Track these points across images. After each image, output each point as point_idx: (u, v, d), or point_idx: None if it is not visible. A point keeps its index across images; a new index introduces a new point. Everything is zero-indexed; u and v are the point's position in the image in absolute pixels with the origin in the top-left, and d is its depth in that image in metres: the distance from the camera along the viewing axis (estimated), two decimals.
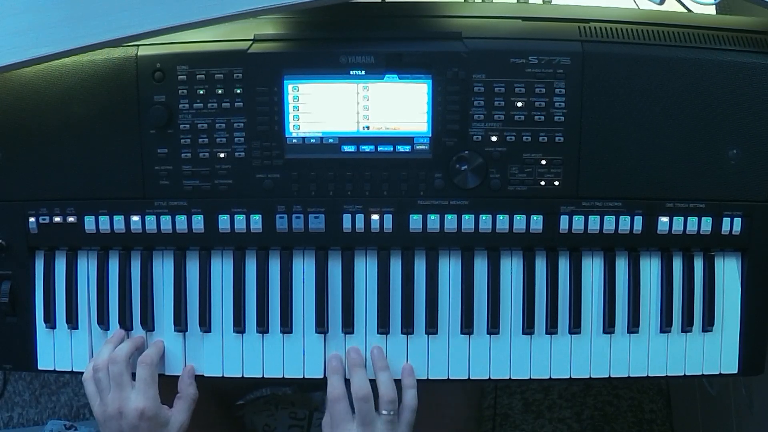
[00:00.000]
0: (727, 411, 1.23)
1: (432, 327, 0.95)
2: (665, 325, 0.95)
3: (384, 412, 0.89)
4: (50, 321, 0.97)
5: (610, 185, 0.92)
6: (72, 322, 0.97)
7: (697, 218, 0.93)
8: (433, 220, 0.93)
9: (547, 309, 0.95)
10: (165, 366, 0.96)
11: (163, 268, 0.96)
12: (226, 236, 0.94)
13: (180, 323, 0.96)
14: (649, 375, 0.96)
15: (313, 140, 0.93)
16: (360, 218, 0.93)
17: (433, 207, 0.93)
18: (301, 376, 0.96)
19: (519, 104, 0.91)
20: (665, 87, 0.90)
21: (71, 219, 0.94)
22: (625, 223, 0.93)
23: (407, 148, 0.92)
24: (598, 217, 0.93)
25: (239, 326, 0.95)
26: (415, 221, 0.93)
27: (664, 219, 0.93)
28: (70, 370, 0.98)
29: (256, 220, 0.94)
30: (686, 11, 1.06)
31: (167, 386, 0.95)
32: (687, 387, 1.50)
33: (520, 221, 0.93)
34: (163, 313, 0.96)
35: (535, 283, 0.95)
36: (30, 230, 0.95)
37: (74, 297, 0.97)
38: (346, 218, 0.93)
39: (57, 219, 0.95)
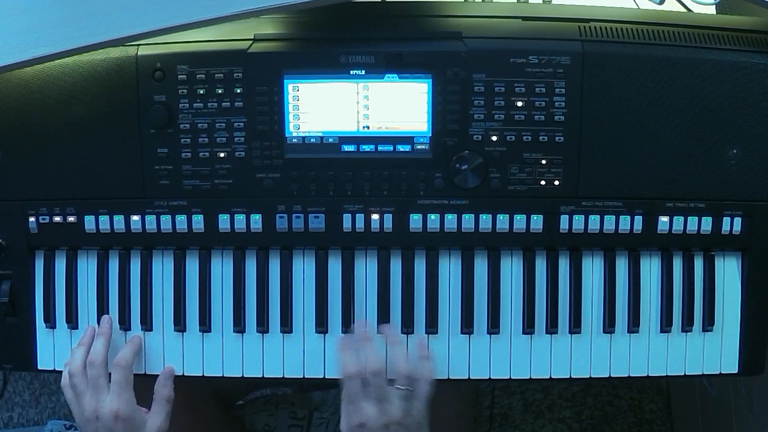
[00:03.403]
0: (727, 411, 1.23)
1: (432, 327, 0.95)
2: (665, 325, 0.95)
3: (400, 386, 0.88)
4: (50, 321, 0.97)
5: (610, 185, 0.92)
6: (72, 322, 0.97)
7: (697, 218, 0.93)
8: (433, 219, 0.93)
9: (547, 309, 0.95)
10: (164, 366, 0.96)
11: (163, 268, 0.96)
12: (226, 236, 0.94)
13: (180, 323, 0.96)
14: (649, 375, 0.96)
15: (313, 140, 0.93)
16: (360, 218, 0.93)
17: (433, 207, 0.93)
18: (301, 376, 0.96)
19: (519, 104, 0.91)
20: (665, 87, 0.90)
21: (71, 219, 0.94)
22: (625, 222, 0.93)
23: (407, 148, 0.92)
24: (598, 216, 0.93)
25: (239, 326, 0.95)
26: (415, 221, 0.93)
27: (664, 219, 0.93)
28: None
29: (256, 220, 0.94)
30: (686, 11, 1.06)
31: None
32: (687, 387, 1.49)
33: (520, 221, 0.93)
34: (162, 313, 0.96)
35: (535, 283, 0.95)
36: (30, 230, 0.95)
37: (74, 297, 0.97)
38: (346, 218, 0.93)
39: (57, 219, 0.95)
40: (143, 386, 0.93)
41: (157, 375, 0.95)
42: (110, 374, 0.91)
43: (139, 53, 0.91)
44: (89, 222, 0.94)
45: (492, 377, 0.96)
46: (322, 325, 0.95)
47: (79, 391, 0.90)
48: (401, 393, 0.88)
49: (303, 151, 0.92)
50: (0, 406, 1.64)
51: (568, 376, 0.96)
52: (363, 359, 0.88)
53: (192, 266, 0.96)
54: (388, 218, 0.93)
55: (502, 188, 0.92)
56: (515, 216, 0.93)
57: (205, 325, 0.96)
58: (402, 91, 0.91)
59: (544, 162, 0.92)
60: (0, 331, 0.97)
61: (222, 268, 0.96)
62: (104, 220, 0.94)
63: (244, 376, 0.97)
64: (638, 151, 0.91)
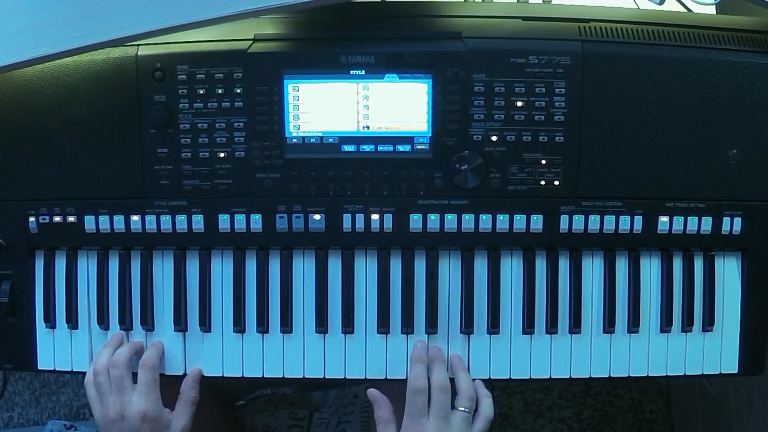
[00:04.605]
0: (727, 411, 1.23)
1: (432, 327, 0.95)
2: (665, 325, 0.95)
3: (461, 408, 0.89)
4: (50, 321, 0.97)
5: (610, 185, 0.92)
6: (72, 322, 0.97)
7: (697, 218, 0.93)
8: (433, 219, 0.93)
9: (547, 309, 0.95)
10: (165, 366, 0.96)
11: (163, 268, 0.96)
12: (226, 236, 0.94)
13: (180, 323, 0.96)
14: (649, 375, 0.96)
15: (313, 140, 0.93)
16: (360, 218, 0.93)
17: (433, 207, 0.93)
18: (301, 376, 0.96)
19: (519, 104, 0.91)
20: (665, 87, 0.90)
21: (71, 219, 0.94)
22: (625, 222, 0.93)
23: (407, 148, 0.92)
24: (598, 216, 0.93)
25: (239, 326, 0.95)
26: (415, 221, 0.93)
27: (664, 219, 0.93)
28: (70, 370, 0.98)
29: (256, 220, 0.94)
30: (686, 11, 1.06)
31: (169, 386, 0.95)
32: (687, 387, 1.50)
33: (520, 221, 0.93)
34: (163, 313, 0.96)
35: (535, 283, 0.95)
36: (30, 230, 0.95)
37: (74, 297, 0.97)
38: (346, 218, 0.93)
39: (57, 219, 0.95)
40: None
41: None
42: (134, 375, 0.92)
43: (139, 53, 0.91)
44: (89, 222, 0.94)
45: (492, 377, 0.96)
46: (322, 325, 0.95)
47: (103, 390, 0.91)
48: (462, 415, 0.89)
49: (303, 151, 0.92)
50: (0, 406, 1.64)
51: (568, 376, 0.96)
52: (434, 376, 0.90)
53: (192, 266, 0.96)
54: (388, 218, 0.93)
55: (502, 188, 0.92)
56: (515, 216, 0.93)
57: (205, 325, 0.96)
58: (402, 91, 0.91)
59: (544, 162, 0.92)
60: (0, 331, 0.97)
61: (222, 268, 0.96)
62: (104, 220, 0.94)
63: (244, 376, 0.97)
64: (638, 151, 0.91)
